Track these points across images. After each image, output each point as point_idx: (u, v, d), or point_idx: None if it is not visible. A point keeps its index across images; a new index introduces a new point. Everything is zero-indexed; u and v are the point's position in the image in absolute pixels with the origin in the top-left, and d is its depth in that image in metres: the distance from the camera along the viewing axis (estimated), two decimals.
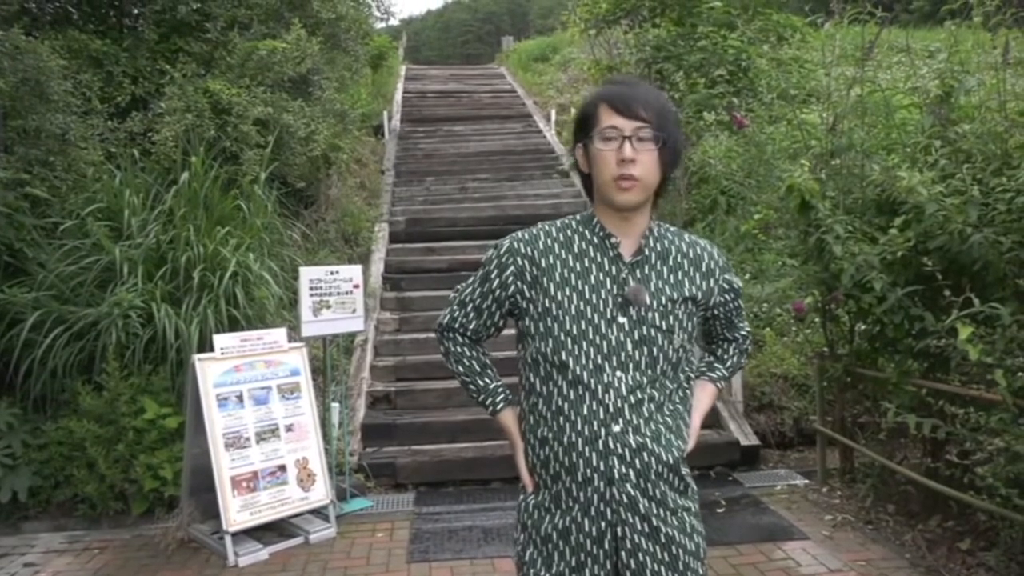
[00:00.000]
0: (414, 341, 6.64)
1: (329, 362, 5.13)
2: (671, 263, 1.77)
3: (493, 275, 1.79)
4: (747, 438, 5.47)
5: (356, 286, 4.88)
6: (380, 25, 13.98)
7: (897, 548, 4.00)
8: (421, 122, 13.26)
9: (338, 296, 4.77)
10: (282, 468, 4.36)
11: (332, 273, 4.81)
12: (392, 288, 7.53)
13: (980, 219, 3.66)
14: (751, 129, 6.30)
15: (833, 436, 4.91)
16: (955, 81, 4.27)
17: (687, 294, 1.75)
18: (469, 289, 1.85)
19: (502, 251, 1.79)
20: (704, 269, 1.79)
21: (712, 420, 5.72)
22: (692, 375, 1.85)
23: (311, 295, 4.67)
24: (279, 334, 4.60)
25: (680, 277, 1.76)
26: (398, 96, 14.44)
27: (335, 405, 5.02)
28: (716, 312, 1.86)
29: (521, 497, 1.84)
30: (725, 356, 2.00)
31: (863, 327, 4.65)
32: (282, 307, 5.76)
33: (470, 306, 1.84)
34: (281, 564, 4.09)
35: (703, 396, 1.91)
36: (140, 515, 4.68)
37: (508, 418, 1.86)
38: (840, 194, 4.49)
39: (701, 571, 1.77)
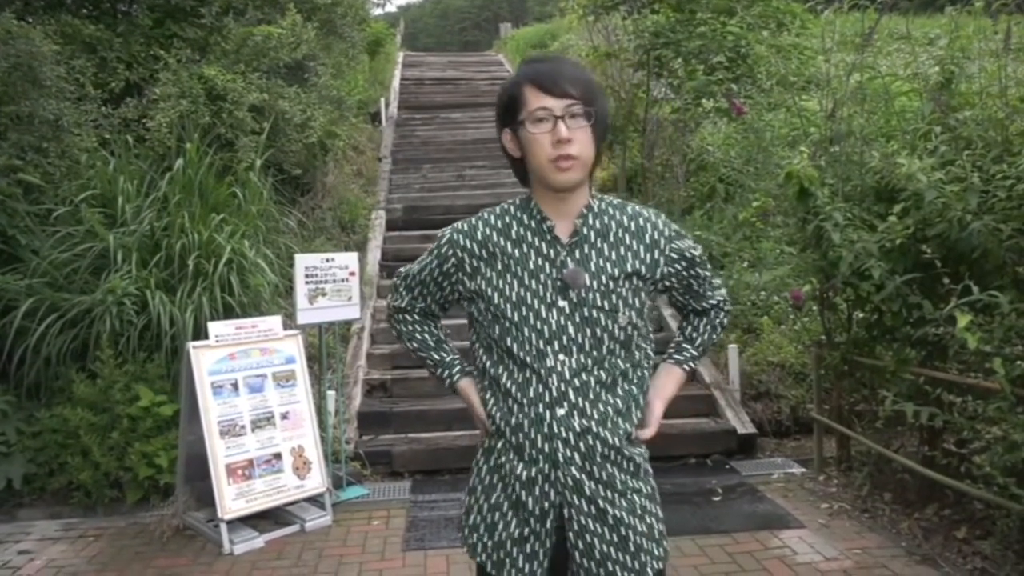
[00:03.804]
0: None
1: (325, 350, 5.11)
2: (611, 239, 1.73)
3: (434, 264, 1.83)
4: (744, 426, 5.46)
5: (352, 274, 4.85)
6: (377, 12, 13.93)
7: (893, 536, 4.00)
8: (418, 109, 13.21)
9: (334, 284, 4.74)
10: (278, 456, 4.35)
11: (328, 260, 4.78)
12: (389, 276, 7.51)
13: (980, 206, 3.63)
14: (750, 116, 6.26)
15: (830, 424, 4.90)
16: (955, 67, 4.23)
17: (630, 269, 1.71)
18: (416, 270, 1.89)
19: (443, 242, 1.81)
20: (648, 240, 1.74)
21: (709, 408, 5.72)
22: (651, 352, 1.80)
23: (307, 283, 4.64)
24: (274, 322, 4.58)
25: (623, 252, 1.72)
26: (395, 83, 14.36)
27: (331, 393, 5.00)
28: (670, 283, 1.80)
29: (475, 461, 1.84)
30: (695, 334, 1.92)
31: (861, 315, 4.64)
32: (277, 295, 5.75)
33: (417, 290, 1.90)
34: (277, 552, 4.09)
35: (667, 380, 1.87)
36: (135, 503, 4.67)
37: (466, 387, 1.87)
38: (839, 181, 4.46)
39: (658, 552, 1.74)
